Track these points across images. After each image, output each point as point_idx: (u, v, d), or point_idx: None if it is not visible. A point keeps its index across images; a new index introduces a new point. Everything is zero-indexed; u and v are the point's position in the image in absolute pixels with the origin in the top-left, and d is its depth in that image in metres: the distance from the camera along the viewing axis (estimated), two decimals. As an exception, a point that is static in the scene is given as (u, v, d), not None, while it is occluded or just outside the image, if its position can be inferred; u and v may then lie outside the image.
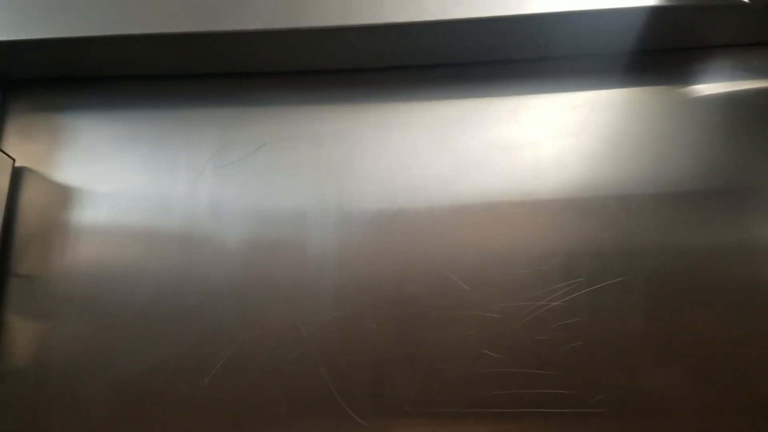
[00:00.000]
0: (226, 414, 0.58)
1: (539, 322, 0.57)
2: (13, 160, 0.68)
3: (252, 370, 0.59)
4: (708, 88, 0.63)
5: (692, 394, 0.55)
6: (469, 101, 0.65)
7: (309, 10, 0.60)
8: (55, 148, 0.69)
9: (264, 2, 0.61)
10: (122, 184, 0.67)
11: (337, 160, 0.65)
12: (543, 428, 0.55)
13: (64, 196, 0.67)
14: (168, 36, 0.62)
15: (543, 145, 0.63)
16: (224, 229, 0.64)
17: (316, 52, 0.64)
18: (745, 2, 0.56)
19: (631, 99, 0.63)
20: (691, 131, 0.61)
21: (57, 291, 0.64)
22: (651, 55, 0.64)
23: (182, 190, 0.66)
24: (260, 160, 0.66)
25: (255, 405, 0.58)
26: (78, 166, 0.68)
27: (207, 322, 0.61)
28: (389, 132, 0.65)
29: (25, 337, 0.63)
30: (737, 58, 0.63)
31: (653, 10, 0.57)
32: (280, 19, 0.60)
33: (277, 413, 0.58)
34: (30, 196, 0.68)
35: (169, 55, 0.65)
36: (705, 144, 0.61)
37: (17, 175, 0.68)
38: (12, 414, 0.61)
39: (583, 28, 0.60)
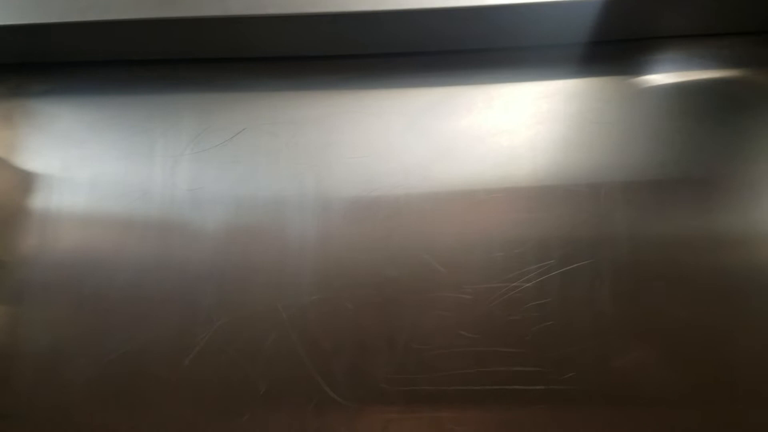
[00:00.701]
0: (206, 394, 0.59)
1: (512, 302, 0.59)
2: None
3: (232, 352, 0.60)
4: (675, 77, 0.65)
5: (658, 373, 0.57)
6: (445, 89, 0.67)
7: (287, -4, 0.60)
8: (28, 133, 0.68)
9: (243, -12, 0.61)
10: (98, 170, 0.66)
11: (315, 146, 0.66)
12: (516, 404, 0.57)
13: (36, 182, 0.66)
14: (144, 21, 0.62)
15: (516, 133, 0.65)
16: (203, 214, 0.64)
17: (294, 39, 0.65)
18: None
19: (601, 88, 0.65)
20: (659, 120, 0.64)
21: (30, 276, 0.63)
22: (619, 45, 0.66)
23: (160, 176, 0.66)
24: (239, 146, 0.66)
25: (235, 385, 0.59)
26: (52, 152, 0.67)
27: (186, 305, 0.61)
28: (367, 118, 0.66)
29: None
30: (705, 47, 0.65)
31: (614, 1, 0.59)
32: (258, 5, 0.61)
33: (257, 393, 0.58)
34: None
35: (145, 40, 0.65)
36: (673, 132, 0.63)
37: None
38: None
39: (548, 19, 0.61)
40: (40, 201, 0.66)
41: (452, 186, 0.63)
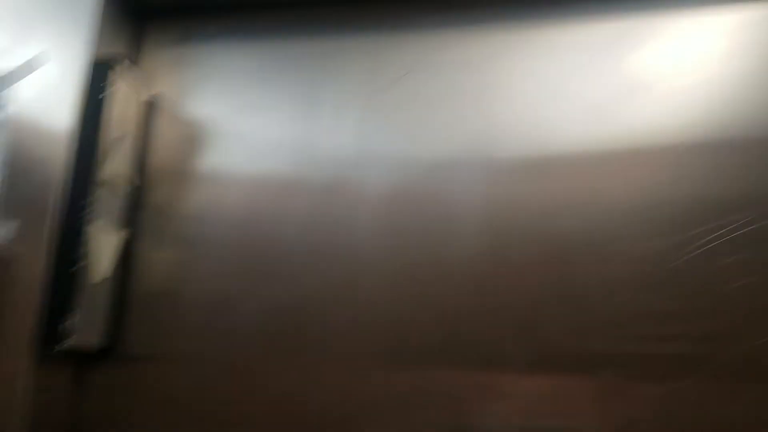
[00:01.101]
0: (368, 347, 0.58)
1: (700, 260, 0.53)
2: (147, 93, 0.68)
3: (400, 305, 0.58)
4: None
5: None
6: (626, 20, 0.60)
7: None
8: (194, 79, 0.69)
9: None
10: (266, 118, 0.66)
11: (485, 87, 0.61)
12: (702, 371, 0.52)
13: (204, 129, 0.67)
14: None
15: (707, 72, 0.57)
16: (369, 164, 0.62)
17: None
18: None
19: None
20: None
21: (200, 226, 0.64)
22: None
23: (327, 125, 0.64)
24: (406, 89, 0.63)
25: (399, 340, 0.58)
26: (218, 99, 0.68)
27: (352, 259, 0.60)
28: (538, 56, 0.61)
29: (161, 266, 0.64)
30: None
31: None
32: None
33: (423, 349, 0.57)
34: (167, 130, 0.68)
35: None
36: None
37: (153, 107, 0.68)
38: (147, 337, 0.63)
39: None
40: (207, 150, 0.67)
41: (634, 130, 0.57)
